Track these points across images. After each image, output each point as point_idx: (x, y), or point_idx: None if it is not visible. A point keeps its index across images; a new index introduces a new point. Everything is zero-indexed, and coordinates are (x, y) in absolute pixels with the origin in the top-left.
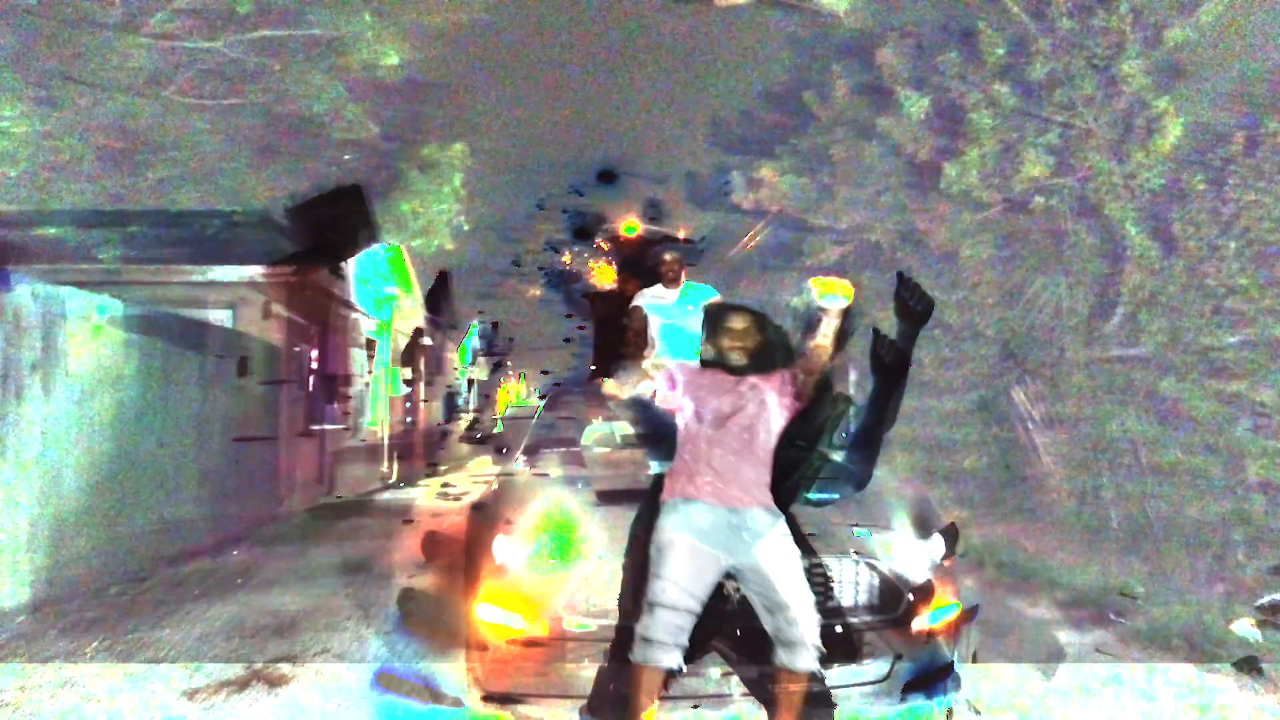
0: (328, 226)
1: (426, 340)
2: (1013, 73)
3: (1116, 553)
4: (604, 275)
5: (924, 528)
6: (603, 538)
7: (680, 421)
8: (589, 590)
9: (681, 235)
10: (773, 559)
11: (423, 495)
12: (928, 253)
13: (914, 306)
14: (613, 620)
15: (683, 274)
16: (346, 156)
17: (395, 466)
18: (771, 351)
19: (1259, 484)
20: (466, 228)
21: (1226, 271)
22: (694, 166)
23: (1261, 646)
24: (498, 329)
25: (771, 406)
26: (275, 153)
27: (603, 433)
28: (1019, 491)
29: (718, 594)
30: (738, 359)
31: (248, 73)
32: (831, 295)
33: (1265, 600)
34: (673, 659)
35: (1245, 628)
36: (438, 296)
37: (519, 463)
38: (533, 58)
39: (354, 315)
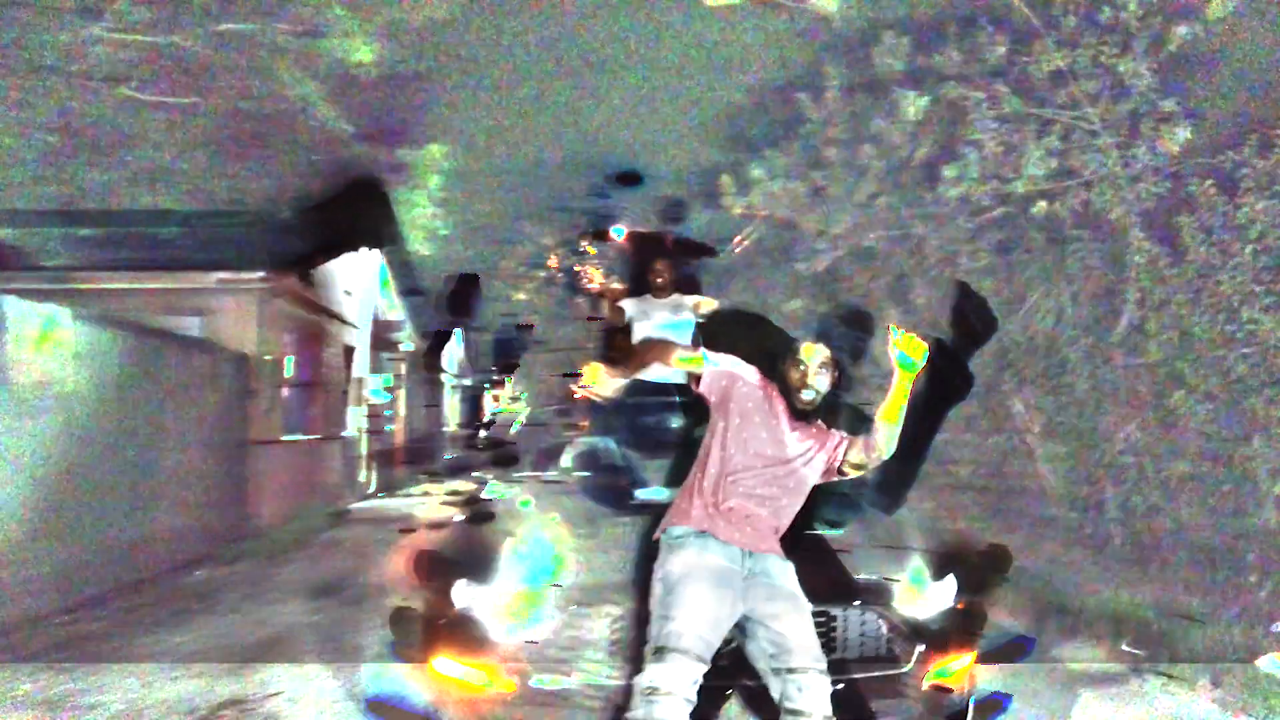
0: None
1: (408, 346)
2: (1014, 71)
3: (1121, 570)
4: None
5: (935, 567)
6: (583, 578)
7: (710, 437)
8: (564, 641)
9: (670, 237)
10: (788, 613)
11: (407, 506)
12: (923, 258)
13: (975, 324)
14: (589, 677)
15: (670, 282)
16: (315, 157)
17: (374, 476)
18: (838, 402)
19: (1276, 501)
20: (444, 231)
21: (1240, 279)
22: (683, 167)
23: None
24: (530, 330)
25: (815, 468)
26: (240, 153)
27: (588, 453)
28: (1018, 504)
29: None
30: (808, 399)
31: (211, 69)
32: (909, 358)
33: (1278, 627)
34: (681, 715)
35: (1272, 663)
36: (463, 299)
37: (490, 489)
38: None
39: (331, 321)
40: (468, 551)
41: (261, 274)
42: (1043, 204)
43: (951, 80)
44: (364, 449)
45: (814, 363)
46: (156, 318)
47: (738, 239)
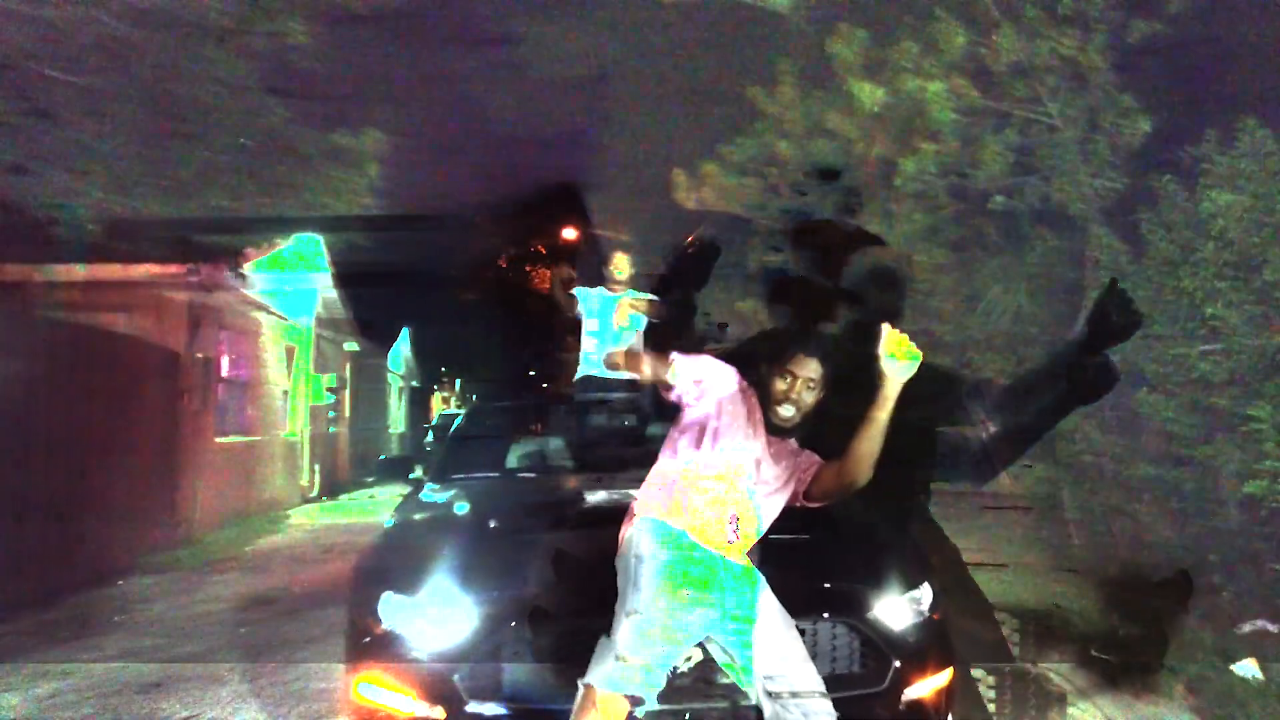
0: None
1: (352, 345)
2: (973, 64)
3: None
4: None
5: (908, 574)
6: (526, 593)
7: (681, 433)
8: (504, 662)
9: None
10: (780, 631)
11: (352, 510)
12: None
13: (1118, 321)
14: (530, 702)
15: (629, 279)
16: (244, 141)
17: (316, 479)
18: (819, 420)
19: (1239, 502)
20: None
21: (1203, 275)
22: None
23: (1267, 688)
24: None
25: (786, 491)
26: (163, 140)
27: (534, 454)
28: (972, 507)
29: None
30: (786, 415)
31: (132, 49)
32: (898, 360)
33: (1247, 628)
34: (643, 692)
35: (1248, 667)
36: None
37: (427, 493)
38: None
39: (269, 318)
40: (396, 561)
41: (192, 267)
42: (1000, 199)
43: (908, 72)
44: (306, 451)
45: (804, 376)
46: (80, 313)
47: (689, 237)
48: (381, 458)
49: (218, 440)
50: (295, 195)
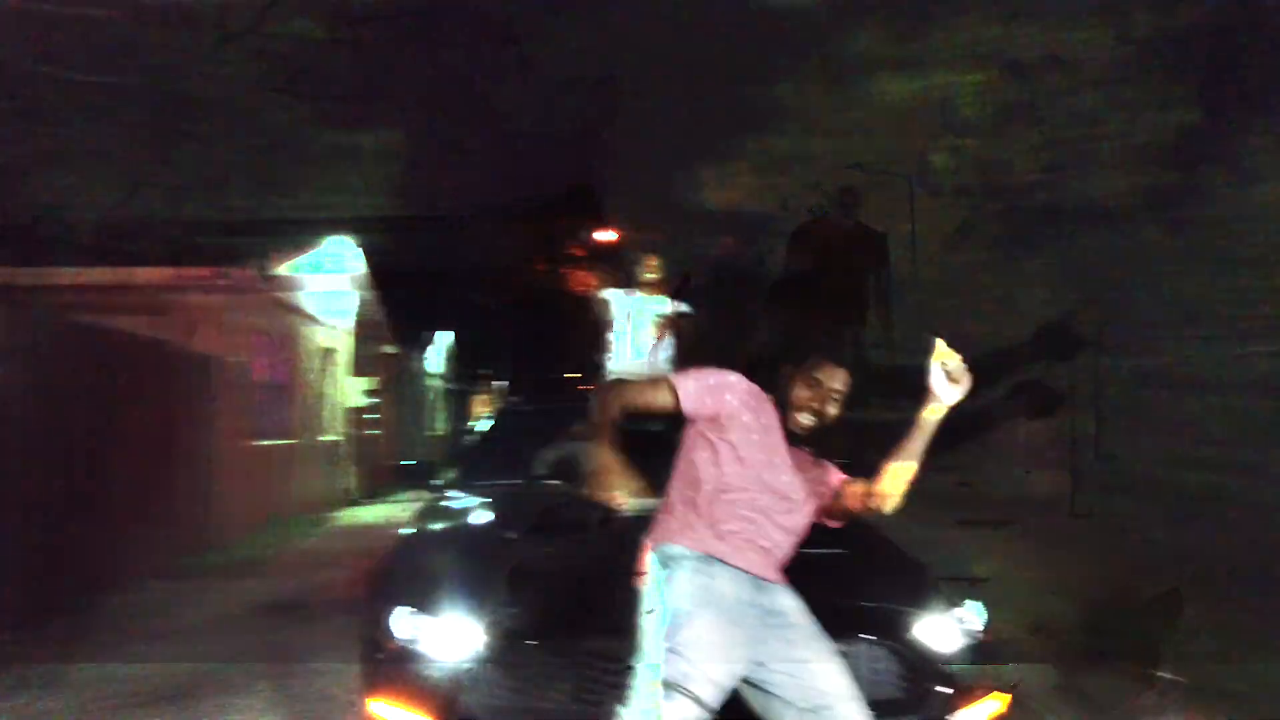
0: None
1: (391, 348)
2: (1007, 54)
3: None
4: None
5: (951, 592)
6: (550, 609)
7: (698, 450)
8: (526, 682)
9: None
10: (821, 657)
11: (394, 514)
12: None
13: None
14: None
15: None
16: (253, 143)
17: (355, 481)
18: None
19: None
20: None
21: (1261, 271)
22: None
23: None
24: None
25: (809, 508)
26: (170, 139)
27: (565, 458)
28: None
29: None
30: (806, 423)
31: (129, 44)
32: (950, 384)
33: None
34: None
35: None
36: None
37: (449, 500)
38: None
39: (305, 321)
40: (411, 573)
41: (222, 270)
42: (1039, 195)
43: (938, 66)
44: (345, 454)
45: (830, 387)
46: (109, 316)
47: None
48: (402, 463)
49: (253, 443)
50: (316, 195)
